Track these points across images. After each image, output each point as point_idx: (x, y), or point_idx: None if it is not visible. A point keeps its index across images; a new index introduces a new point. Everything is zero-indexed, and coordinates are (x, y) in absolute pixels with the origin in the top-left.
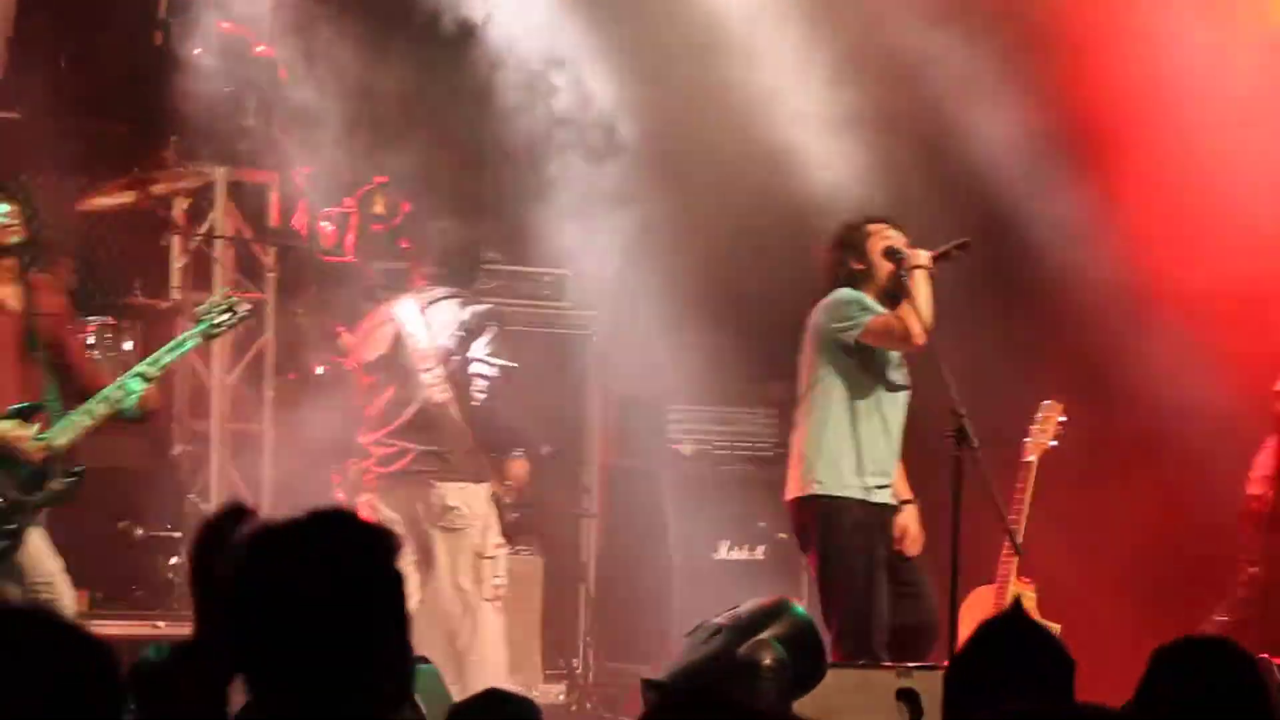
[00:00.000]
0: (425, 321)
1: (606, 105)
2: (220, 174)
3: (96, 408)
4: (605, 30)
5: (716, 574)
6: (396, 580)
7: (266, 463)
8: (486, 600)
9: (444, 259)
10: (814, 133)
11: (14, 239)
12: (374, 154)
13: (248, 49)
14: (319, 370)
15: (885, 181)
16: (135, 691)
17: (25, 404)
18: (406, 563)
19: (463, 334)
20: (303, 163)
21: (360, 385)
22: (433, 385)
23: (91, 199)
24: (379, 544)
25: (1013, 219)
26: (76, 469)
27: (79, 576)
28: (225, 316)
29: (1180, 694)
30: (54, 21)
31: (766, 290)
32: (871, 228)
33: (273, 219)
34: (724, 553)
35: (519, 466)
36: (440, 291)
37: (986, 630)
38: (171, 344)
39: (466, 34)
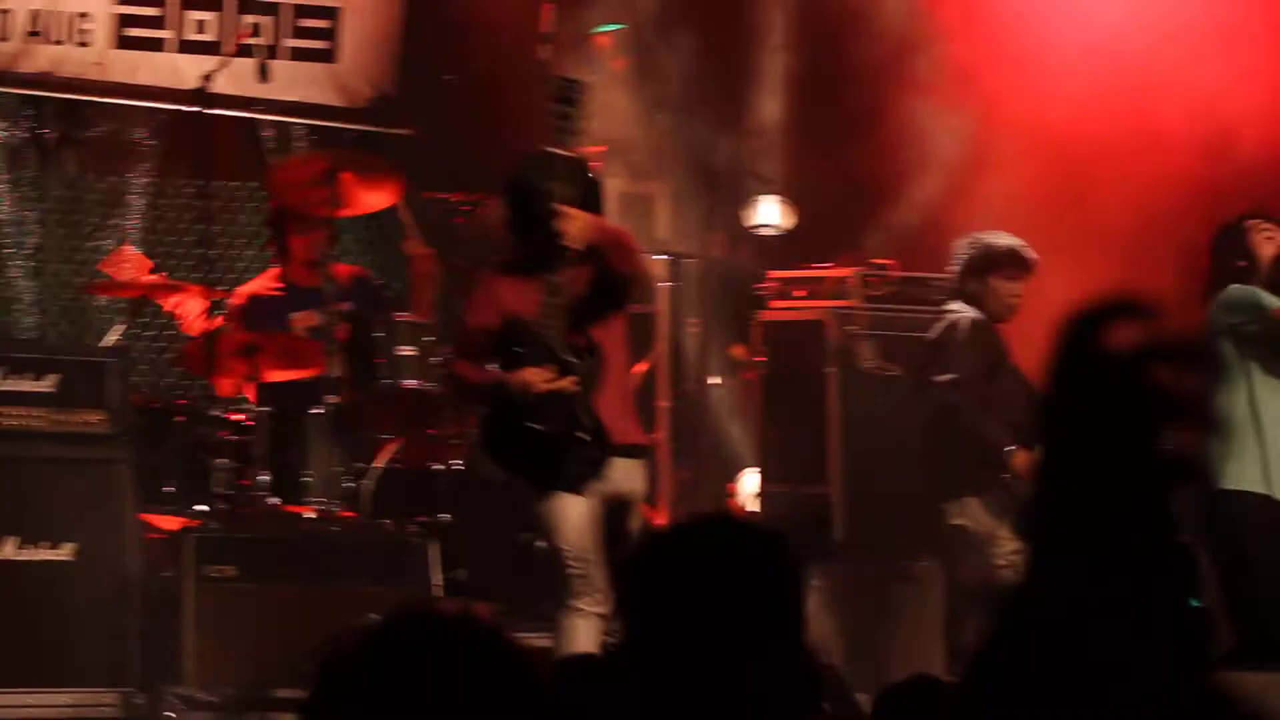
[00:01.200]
0: None
1: None
2: (608, 185)
3: None
4: None
5: None
6: (788, 585)
7: (663, 475)
8: None
9: None
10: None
11: None
12: None
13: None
14: (713, 381)
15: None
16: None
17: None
18: None
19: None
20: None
21: None
22: None
23: (484, 212)
24: (770, 549)
25: None
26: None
27: (482, 590)
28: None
29: None
30: (441, 39)
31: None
32: (1249, 223)
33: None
34: None
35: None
36: None
37: None
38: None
39: None
